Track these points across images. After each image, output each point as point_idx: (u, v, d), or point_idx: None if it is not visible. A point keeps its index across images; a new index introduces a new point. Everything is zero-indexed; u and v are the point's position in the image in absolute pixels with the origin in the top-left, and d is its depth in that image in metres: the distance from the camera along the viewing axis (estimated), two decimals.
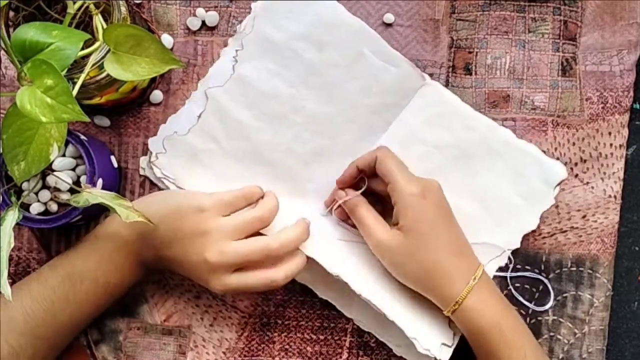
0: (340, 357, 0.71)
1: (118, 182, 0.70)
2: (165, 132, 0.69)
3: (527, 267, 0.70)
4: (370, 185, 0.66)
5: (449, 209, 0.64)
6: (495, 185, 0.69)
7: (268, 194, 0.66)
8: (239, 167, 0.69)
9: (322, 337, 0.71)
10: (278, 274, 0.63)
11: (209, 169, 0.69)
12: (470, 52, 0.71)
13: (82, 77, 0.55)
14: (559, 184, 0.69)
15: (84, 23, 0.60)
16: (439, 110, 0.69)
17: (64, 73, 0.51)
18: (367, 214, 0.65)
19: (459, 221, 0.66)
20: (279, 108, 0.69)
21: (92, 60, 0.56)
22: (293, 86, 0.69)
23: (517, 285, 0.70)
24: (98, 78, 0.60)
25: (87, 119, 0.50)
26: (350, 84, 0.69)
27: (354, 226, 0.67)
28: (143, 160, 0.70)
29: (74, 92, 0.52)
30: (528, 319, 0.70)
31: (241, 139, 0.69)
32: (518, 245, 0.69)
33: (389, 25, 0.71)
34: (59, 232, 0.71)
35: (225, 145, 0.69)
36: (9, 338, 0.61)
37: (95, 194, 0.59)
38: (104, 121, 0.70)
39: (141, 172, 0.70)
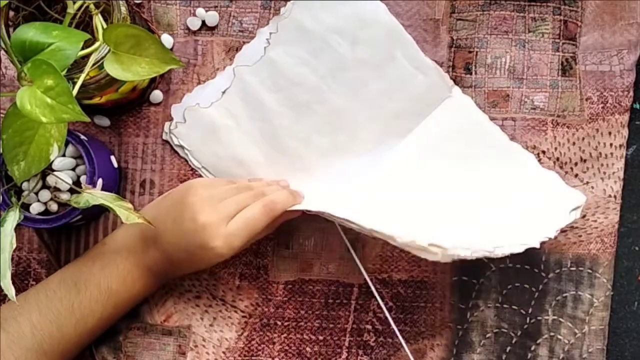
0: (340, 357, 0.71)
1: (118, 182, 0.70)
2: (188, 101, 0.70)
3: (527, 267, 0.70)
4: None
5: None
6: (511, 204, 0.68)
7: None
8: (255, 149, 0.69)
9: (321, 338, 0.71)
10: (274, 194, 0.64)
11: (225, 146, 0.69)
12: (470, 52, 0.71)
13: (82, 77, 0.55)
14: (576, 209, 0.66)
15: (84, 23, 0.60)
16: (461, 125, 0.69)
17: (64, 73, 0.51)
18: None
19: (472, 228, 0.64)
20: (303, 96, 0.69)
21: (92, 60, 0.56)
22: (320, 77, 0.69)
23: (517, 284, 0.70)
24: (98, 78, 0.60)
25: (87, 119, 0.50)
26: (378, 84, 0.69)
27: None
28: (167, 125, 0.70)
29: (74, 92, 0.52)
30: (528, 319, 0.70)
31: (261, 121, 0.69)
32: (537, 245, 0.63)
33: None
34: (59, 232, 0.71)
35: (244, 125, 0.69)
36: (17, 354, 0.62)
37: (95, 195, 0.60)
38: (104, 121, 0.70)
39: (163, 137, 0.71)
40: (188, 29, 0.71)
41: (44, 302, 0.63)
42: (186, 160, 0.70)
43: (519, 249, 0.62)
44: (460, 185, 0.68)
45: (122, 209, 0.59)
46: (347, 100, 0.69)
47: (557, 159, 0.70)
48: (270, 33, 0.69)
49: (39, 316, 0.63)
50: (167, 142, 0.71)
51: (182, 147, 0.70)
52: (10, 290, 0.54)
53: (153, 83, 0.70)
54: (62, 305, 0.63)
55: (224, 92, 0.69)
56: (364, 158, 0.69)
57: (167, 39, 0.70)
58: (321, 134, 0.69)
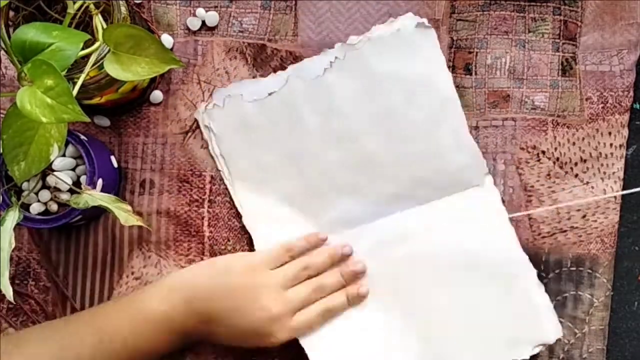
0: None
1: (118, 182, 0.70)
2: (234, 89, 0.70)
3: None
4: None
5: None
6: (482, 314, 0.68)
7: (320, 251, 0.68)
8: (276, 160, 0.69)
9: None
10: (337, 299, 0.67)
11: (249, 145, 0.69)
12: (470, 52, 0.71)
13: (82, 77, 0.55)
14: (541, 345, 0.67)
15: (84, 23, 0.60)
16: (476, 219, 0.68)
17: (64, 73, 0.51)
18: None
19: (430, 326, 0.67)
20: (342, 129, 0.69)
21: (92, 60, 0.56)
22: (365, 117, 0.68)
23: None
24: (98, 78, 0.60)
25: (87, 119, 0.50)
26: (415, 144, 0.69)
27: None
28: (203, 104, 0.70)
29: (74, 92, 0.52)
30: None
31: (293, 135, 0.69)
32: None
33: None
34: (59, 232, 0.71)
35: (276, 133, 0.69)
36: None
37: (95, 196, 0.59)
38: (104, 121, 0.70)
39: (195, 115, 0.70)
40: (188, 29, 0.71)
41: (67, 338, 0.63)
42: (208, 149, 0.70)
43: None
44: (439, 287, 0.68)
45: (121, 210, 0.59)
46: (380, 148, 0.69)
47: (557, 159, 0.70)
48: (336, 57, 0.69)
49: (58, 351, 0.62)
50: (197, 126, 0.70)
51: (209, 129, 0.70)
52: (8, 290, 0.54)
53: (153, 83, 0.70)
54: (84, 348, 0.62)
55: (270, 94, 0.69)
56: (376, 207, 0.69)
57: (167, 39, 0.70)
58: (344, 169, 0.69)
